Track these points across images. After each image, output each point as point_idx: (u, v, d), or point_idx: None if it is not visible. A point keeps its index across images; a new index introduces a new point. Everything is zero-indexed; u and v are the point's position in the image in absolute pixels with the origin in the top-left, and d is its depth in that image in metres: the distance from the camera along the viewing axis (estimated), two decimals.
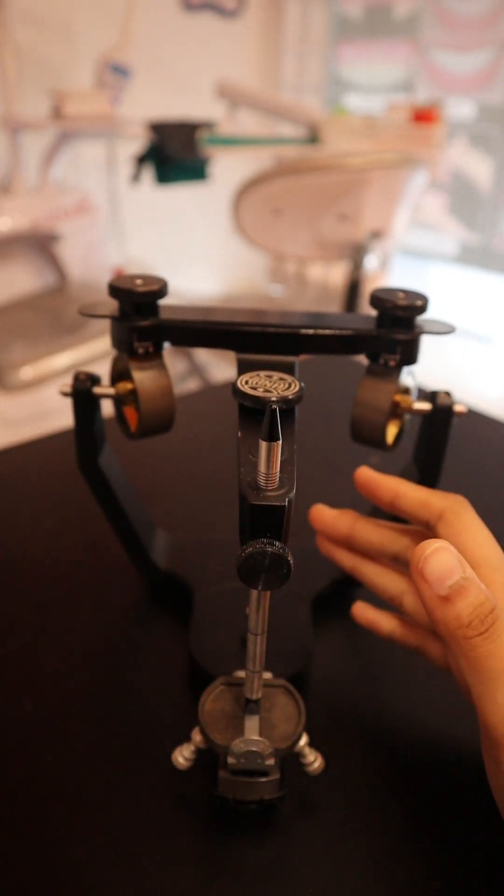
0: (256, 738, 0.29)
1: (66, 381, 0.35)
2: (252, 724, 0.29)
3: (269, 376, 0.30)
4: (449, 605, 0.25)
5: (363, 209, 1.61)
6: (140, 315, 0.33)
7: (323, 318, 0.35)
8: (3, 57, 1.66)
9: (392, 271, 1.95)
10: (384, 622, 0.35)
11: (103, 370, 0.36)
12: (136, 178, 1.76)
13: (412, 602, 0.34)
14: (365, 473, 0.35)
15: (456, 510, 0.31)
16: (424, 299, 0.33)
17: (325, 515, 0.36)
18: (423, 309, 0.33)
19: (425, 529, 0.33)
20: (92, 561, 0.47)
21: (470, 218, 2.55)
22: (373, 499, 0.35)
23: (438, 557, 0.26)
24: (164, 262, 2.45)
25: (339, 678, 0.39)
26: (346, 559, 0.36)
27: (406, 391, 0.36)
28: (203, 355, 2.05)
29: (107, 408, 0.37)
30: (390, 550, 0.34)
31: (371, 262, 1.69)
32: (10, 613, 0.42)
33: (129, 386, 0.35)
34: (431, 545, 0.26)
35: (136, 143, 1.75)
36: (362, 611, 0.36)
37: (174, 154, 1.67)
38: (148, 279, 0.33)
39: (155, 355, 0.34)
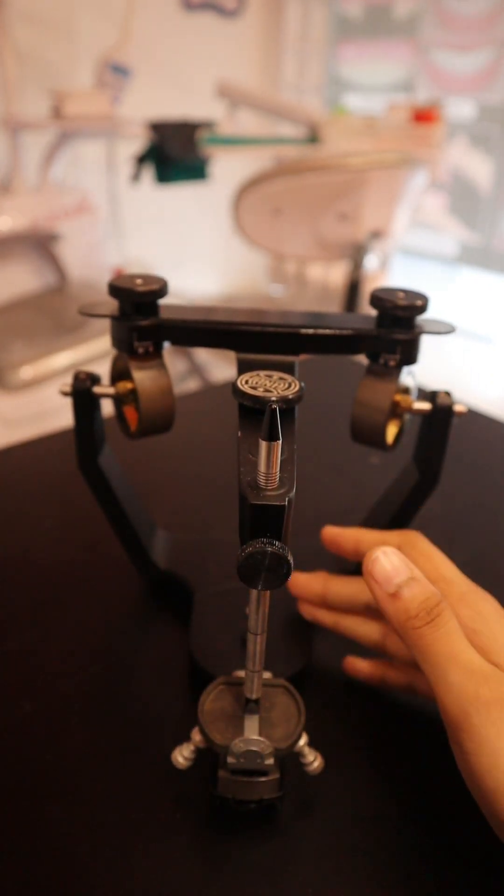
0: (256, 737, 0.29)
1: (66, 381, 0.35)
2: (252, 724, 0.29)
3: (269, 376, 0.30)
4: (398, 601, 0.28)
5: (363, 209, 1.61)
6: (140, 315, 0.33)
7: (323, 318, 0.35)
8: (3, 57, 1.66)
9: (392, 271, 1.95)
10: (374, 669, 0.37)
11: (103, 370, 0.36)
12: (136, 177, 1.77)
13: (394, 643, 0.36)
14: (328, 531, 0.38)
15: (411, 541, 0.34)
16: (424, 299, 0.33)
17: (298, 581, 0.38)
18: (423, 309, 0.33)
19: None
20: (92, 561, 0.47)
21: (470, 218, 2.55)
22: (339, 551, 0.37)
23: (386, 559, 0.29)
24: (164, 262, 2.46)
25: (339, 678, 0.39)
26: (327, 617, 0.38)
27: (406, 391, 0.36)
28: (203, 355, 2.05)
29: (107, 407, 0.37)
30: (361, 600, 0.36)
31: (371, 262, 1.69)
32: (10, 613, 0.42)
33: (129, 385, 0.35)
34: (378, 550, 0.29)
35: (136, 142, 1.75)
36: (352, 664, 0.38)
37: (174, 154, 1.67)
38: (148, 279, 0.33)
39: (155, 355, 0.34)
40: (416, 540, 0.34)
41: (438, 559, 0.33)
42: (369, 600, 0.36)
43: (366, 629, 0.37)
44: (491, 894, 0.29)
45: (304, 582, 0.38)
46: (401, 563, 0.29)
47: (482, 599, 0.32)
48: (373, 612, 0.36)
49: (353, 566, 0.40)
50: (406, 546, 0.34)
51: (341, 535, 0.37)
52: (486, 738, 0.25)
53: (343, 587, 0.37)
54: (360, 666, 0.37)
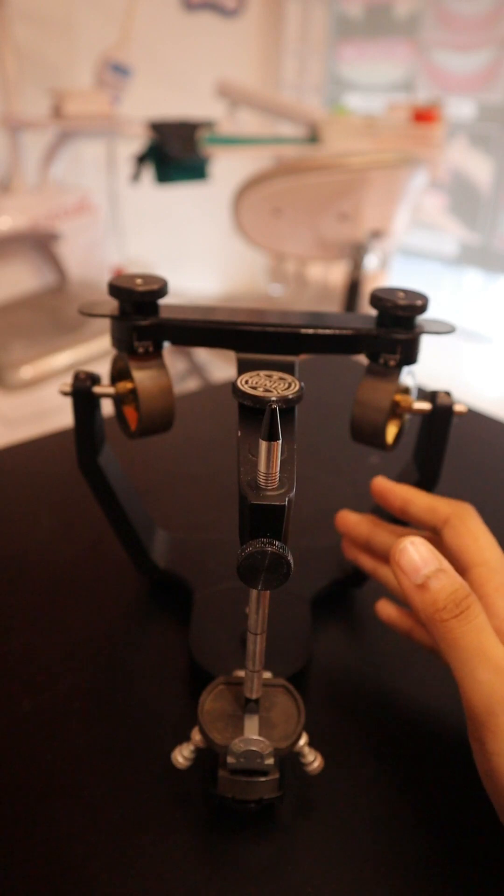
0: (256, 737, 0.29)
1: (66, 381, 0.35)
2: (251, 724, 0.29)
3: (269, 376, 0.30)
4: (425, 592, 0.27)
5: (363, 209, 1.61)
6: (140, 314, 0.33)
7: (323, 317, 0.35)
8: (3, 57, 1.66)
9: (392, 271, 1.95)
10: (403, 620, 0.37)
11: (103, 370, 0.36)
12: (136, 177, 1.76)
13: None
14: (379, 483, 0.37)
15: (461, 515, 0.33)
16: (424, 299, 0.33)
17: (347, 520, 0.39)
18: (423, 309, 0.33)
19: (433, 534, 0.35)
20: (92, 561, 0.47)
21: (470, 218, 2.55)
22: (386, 506, 0.37)
23: (414, 549, 0.28)
24: (164, 262, 2.46)
25: (339, 677, 0.39)
26: (367, 562, 0.39)
27: (406, 391, 0.36)
28: (203, 355, 2.05)
29: (107, 407, 0.37)
30: None
31: (371, 261, 1.69)
32: (9, 613, 0.42)
33: (129, 385, 0.35)
34: (406, 540, 0.28)
35: (136, 142, 1.75)
36: (384, 608, 0.38)
37: (174, 153, 1.67)
38: (148, 278, 0.33)
39: (155, 355, 0.34)
40: (467, 515, 0.33)
41: (485, 541, 0.32)
42: None
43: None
44: (492, 894, 0.29)
45: (353, 523, 0.38)
46: (429, 554, 0.28)
47: None
48: None
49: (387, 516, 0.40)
50: (455, 518, 0.33)
51: (391, 491, 0.36)
52: None
53: (388, 537, 0.37)
54: (389, 611, 0.37)
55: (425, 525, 0.35)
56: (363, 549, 0.39)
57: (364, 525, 0.38)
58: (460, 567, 0.32)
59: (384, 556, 0.37)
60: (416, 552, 0.28)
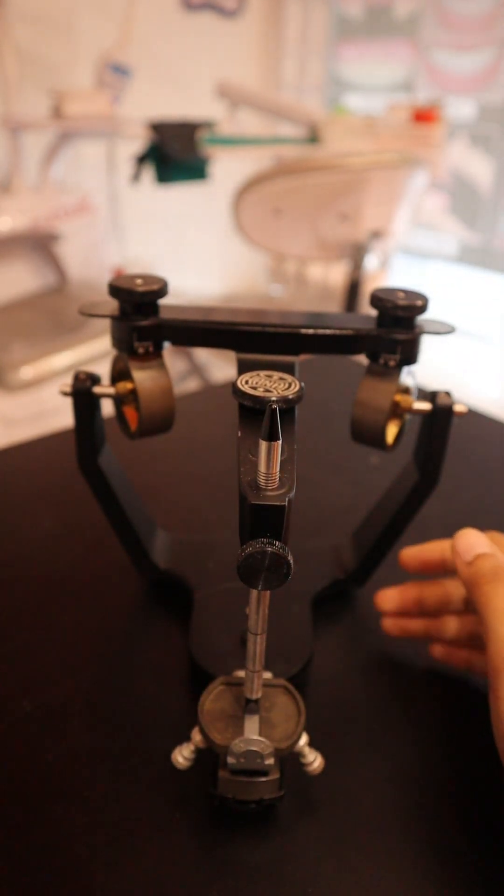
0: (256, 737, 0.29)
1: (66, 381, 0.35)
2: (252, 724, 0.29)
3: (269, 376, 0.30)
4: (472, 567, 0.32)
5: (363, 209, 1.61)
6: (140, 315, 0.33)
7: (323, 318, 0.35)
8: (3, 57, 1.66)
9: (392, 271, 1.95)
10: (455, 656, 0.39)
11: (103, 370, 0.36)
12: (136, 178, 1.76)
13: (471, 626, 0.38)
14: (407, 552, 0.39)
15: (495, 538, 0.36)
16: (424, 299, 0.33)
17: (389, 594, 0.40)
18: (423, 309, 0.33)
19: None
20: (92, 561, 0.47)
21: (470, 218, 2.55)
22: (426, 570, 0.39)
23: (467, 535, 0.33)
24: (164, 262, 2.46)
25: (339, 678, 0.39)
26: (417, 626, 0.39)
27: (406, 391, 0.36)
28: (203, 355, 2.05)
29: (107, 407, 0.37)
30: (458, 596, 0.38)
31: (371, 262, 1.69)
32: (10, 613, 0.42)
33: (129, 386, 0.35)
34: (464, 529, 0.33)
35: (136, 143, 1.75)
36: (436, 649, 0.39)
37: (174, 154, 1.67)
38: (148, 279, 0.33)
39: (155, 355, 0.34)
40: (500, 536, 0.36)
41: None
42: (462, 597, 0.38)
43: (456, 625, 0.38)
44: (491, 895, 0.29)
45: (397, 592, 0.39)
46: (479, 539, 0.33)
47: None
48: (471, 609, 0.38)
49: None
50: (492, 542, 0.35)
51: (425, 552, 0.38)
52: None
53: (438, 588, 0.39)
54: (441, 650, 0.39)
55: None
56: (410, 617, 0.39)
57: (410, 589, 0.39)
58: None
59: (437, 609, 0.38)
60: (468, 536, 0.33)
